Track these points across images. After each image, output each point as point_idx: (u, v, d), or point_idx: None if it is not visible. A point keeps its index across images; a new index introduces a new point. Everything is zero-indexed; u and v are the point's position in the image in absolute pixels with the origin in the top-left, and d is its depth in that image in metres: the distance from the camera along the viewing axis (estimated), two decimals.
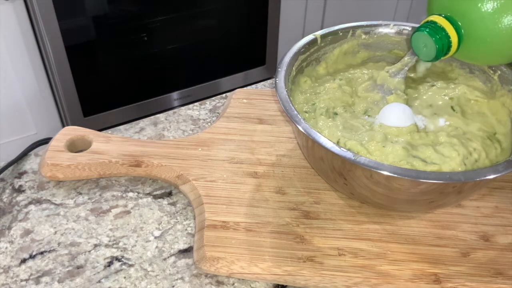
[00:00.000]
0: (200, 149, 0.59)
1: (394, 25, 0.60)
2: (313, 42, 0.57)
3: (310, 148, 0.50)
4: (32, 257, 0.50)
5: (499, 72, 0.55)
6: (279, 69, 0.52)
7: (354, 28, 0.60)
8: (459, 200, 0.53)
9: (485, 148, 0.49)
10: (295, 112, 0.47)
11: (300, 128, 0.46)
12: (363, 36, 0.60)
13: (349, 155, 0.43)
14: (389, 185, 0.45)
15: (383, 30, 0.60)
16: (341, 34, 0.59)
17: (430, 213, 0.52)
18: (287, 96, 0.49)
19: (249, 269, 0.47)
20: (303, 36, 0.57)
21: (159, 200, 0.56)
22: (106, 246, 0.51)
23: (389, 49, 0.61)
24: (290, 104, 0.48)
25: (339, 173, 0.48)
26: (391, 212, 0.52)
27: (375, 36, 0.61)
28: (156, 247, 0.51)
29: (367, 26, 0.60)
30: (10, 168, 0.59)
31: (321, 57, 0.59)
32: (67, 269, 0.49)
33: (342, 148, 0.44)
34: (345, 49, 0.60)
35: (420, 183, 0.43)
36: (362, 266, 0.47)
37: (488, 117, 0.53)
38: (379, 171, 0.42)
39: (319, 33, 0.58)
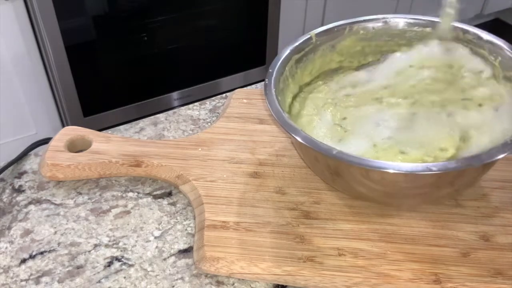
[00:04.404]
0: (200, 149, 0.59)
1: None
2: (307, 41, 0.57)
3: (304, 149, 0.50)
4: (32, 257, 0.50)
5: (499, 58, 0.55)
6: (270, 70, 0.52)
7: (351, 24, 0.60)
8: (455, 193, 0.53)
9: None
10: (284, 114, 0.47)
11: (285, 128, 0.46)
12: (361, 32, 0.60)
13: (325, 147, 0.44)
14: (380, 179, 0.45)
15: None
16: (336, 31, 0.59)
17: (430, 213, 0.52)
18: (277, 104, 0.49)
19: (249, 269, 0.47)
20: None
21: (159, 200, 0.56)
22: (106, 246, 0.51)
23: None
24: (279, 109, 0.48)
25: (335, 172, 0.48)
26: (391, 212, 0.52)
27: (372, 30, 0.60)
28: (156, 247, 0.51)
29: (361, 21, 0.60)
30: (10, 168, 0.59)
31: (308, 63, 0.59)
32: (67, 269, 0.49)
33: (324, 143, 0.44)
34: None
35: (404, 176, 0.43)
36: (362, 266, 0.47)
37: None
38: (366, 166, 0.42)
39: (314, 31, 0.58)
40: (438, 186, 0.46)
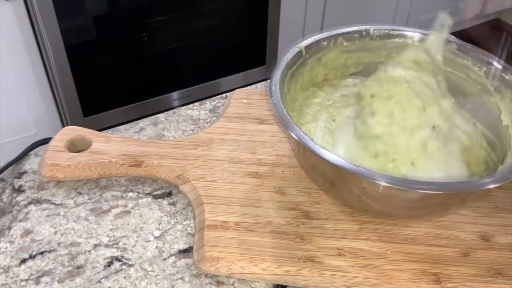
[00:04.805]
0: (200, 149, 0.59)
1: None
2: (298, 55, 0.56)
3: (307, 156, 0.50)
4: (32, 257, 0.50)
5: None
6: (273, 87, 0.51)
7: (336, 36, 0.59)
8: (461, 207, 0.53)
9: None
10: (291, 120, 0.47)
11: (294, 136, 0.45)
12: (345, 44, 0.59)
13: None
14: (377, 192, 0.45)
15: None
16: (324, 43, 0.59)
17: None
18: (281, 103, 0.48)
19: (249, 269, 0.47)
20: (303, 36, 0.57)
21: (159, 200, 0.56)
22: (106, 246, 0.51)
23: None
24: (285, 112, 0.48)
25: (331, 182, 0.48)
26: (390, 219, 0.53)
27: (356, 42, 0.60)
28: (156, 247, 0.51)
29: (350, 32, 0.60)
30: (10, 168, 0.59)
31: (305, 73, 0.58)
32: (67, 269, 0.49)
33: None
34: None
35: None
36: (362, 266, 0.47)
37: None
38: (372, 180, 0.42)
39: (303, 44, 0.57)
40: (449, 204, 0.47)
